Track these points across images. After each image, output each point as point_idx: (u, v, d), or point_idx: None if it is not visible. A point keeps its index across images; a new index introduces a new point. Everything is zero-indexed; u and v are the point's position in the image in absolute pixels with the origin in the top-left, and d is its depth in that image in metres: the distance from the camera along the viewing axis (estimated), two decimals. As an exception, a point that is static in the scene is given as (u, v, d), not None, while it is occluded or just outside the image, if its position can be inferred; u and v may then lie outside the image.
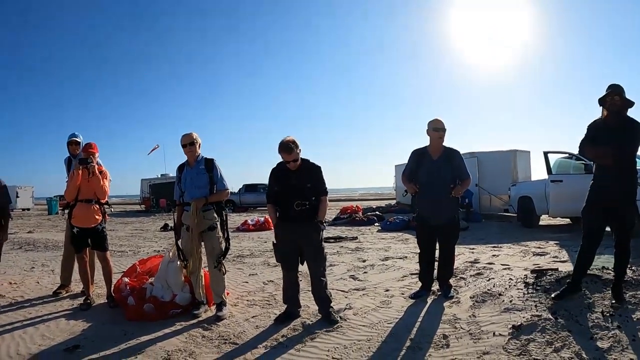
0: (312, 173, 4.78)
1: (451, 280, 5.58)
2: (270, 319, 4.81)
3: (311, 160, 4.85)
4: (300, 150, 4.68)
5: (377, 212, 18.53)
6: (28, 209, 40.62)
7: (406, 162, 5.60)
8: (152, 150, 31.62)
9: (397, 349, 3.84)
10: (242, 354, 3.97)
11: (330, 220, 16.73)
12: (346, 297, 5.52)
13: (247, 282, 6.69)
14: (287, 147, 4.58)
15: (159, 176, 34.14)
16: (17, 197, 40.40)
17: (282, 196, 4.77)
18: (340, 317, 4.68)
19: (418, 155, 5.39)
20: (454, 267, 5.73)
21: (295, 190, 4.67)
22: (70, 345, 4.31)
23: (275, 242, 4.87)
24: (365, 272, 6.89)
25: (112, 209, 6.35)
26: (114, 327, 4.85)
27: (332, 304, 4.84)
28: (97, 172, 5.68)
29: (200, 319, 4.98)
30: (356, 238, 11.50)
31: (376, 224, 15.49)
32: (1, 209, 6.17)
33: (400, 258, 8.08)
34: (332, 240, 11.01)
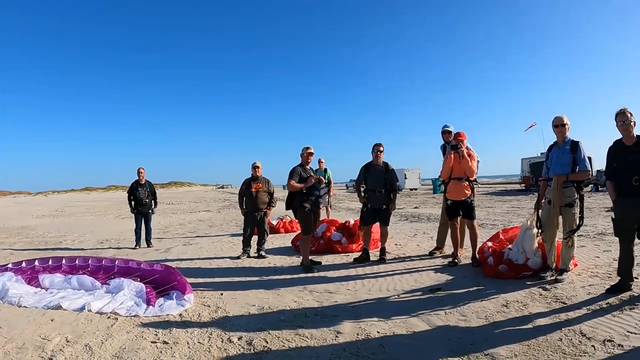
0: None
1: None
2: (603, 289, 5.31)
3: None
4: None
5: None
6: (416, 189, 47.16)
7: None
8: (529, 128, 31.59)
9: None
10: (565, 312, 4.68)
11: None
12: None
13: (598, 257, 7.17)
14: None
15: (539, 155, 33.54)
16: (405, 178, 46.99)
17: (619, 173, 5.13)
18: None
19: None
20: None
21: (632, 165, 4.96)
22: (435, 287, 5.93)
23: (614, 217, 5.30)
24: None
25: (479, 185, 7.63)
26: (472, 279, 6.29)
27: None
28: (465, 155, 7.12)
29: (545, 281, 5.88)
30: None
31: None
32: (392, 187, 7.95)
33: None
34: None
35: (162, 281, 5.88)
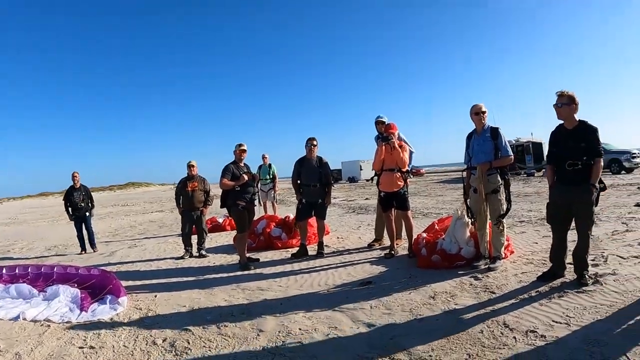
0: (588, 134, 4.76)
1: None
2: (536, 277, 5.16)
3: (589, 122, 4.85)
4: None
5: None
6: (372, 180, 46.72)
7: None
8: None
9: (630, 318, 3.79)
10: (493, 303, 4.49)
11: None
12: (619, 264, 5.41)
13: (536, 243, 7.07)
14: None
15: None
16: (361, 169, 47.15)
17: (557, 157, 4.95)
18: (598, 281, 4.73)
19: None
20: None
21: (569, 151, 4.78)
22: (365, 280, 5.77)
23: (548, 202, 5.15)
24: (662, 243, 6.34)
25: (411, 176, 7.50)
26: (404, 271, 6.11)
27: (590, 268, 4.92)
28: (397, 146, 6.93)
29: (478, 270, 5.70)
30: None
31: None
32: (326, 181, 7.84)
33: None
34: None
35: (99, 285, 5.87)
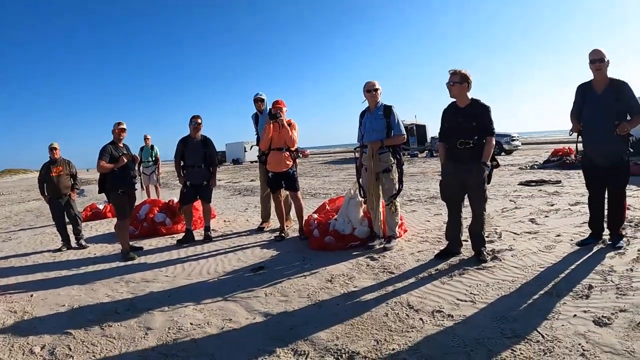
0: (479, 112, 4.71)
1: (627, 231, 5.19)
2: (433, 255, 5.07)
3: (482, 101, 4.80)
4: None
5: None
6: (255, 161, 46.44)
7: None
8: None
9: (534, 293, 3.75)
10: (393, 283, 4.29)
11: (539, 163, 16.33)
12: (514, 240, 5.49)
13: (429, 221, 7.06)
14: None
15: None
16: (245, 151, 46.28)
17: (449, 135, 4.85)
18: (496, 257, 4.74)
19: (583, 90, 4.87)
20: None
21: (461, 128, 4.71)
22: (257, 266, 5.34)
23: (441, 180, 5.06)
24: (546, 217, 6.65)
25: (301, 156, 7.18)
26: (297, 254, 5.75)
27: (486, 244, 4.91)
28: (285, 124, 6.49)
29: (373, 250, 5.51)
30: (559, 182, 10.69)
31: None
32: (211, 161, 7.34)
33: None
34: (534, 184, 10.59)
35: None
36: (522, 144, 31.88)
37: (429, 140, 32.32)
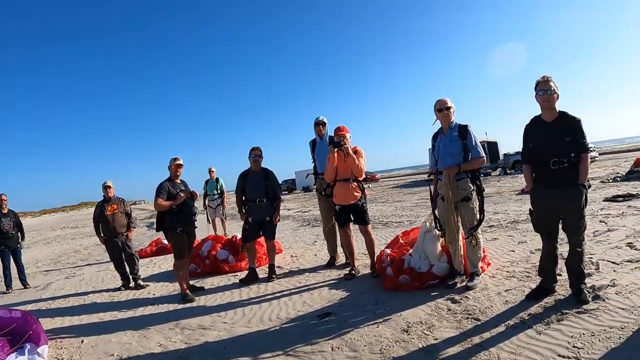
0: (572, 126, 4.04)
1: None
2: (523, 294, 4.44)
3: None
4: None
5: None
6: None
7: None
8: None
9: None
10: (479, 333, 3.72)
11: (622, 174, 15.04)
12: (615, 271, 4.75)
13: (513, 251, 6.33)
14: None
15: None
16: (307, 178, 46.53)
17: (537, 154, 4.21)
18: (598, 296, 4.03)
19: None
20: None
21: (551, 146, 4.05)
22: (324, 312, 4.86)
23: (531, 208, 4.39)
24: (645, 239, 5.75)
25: (371, 181, 6.75)
26: (369, 296, 5.23)
27: (586, 280, 4.18)
28: (351, 152, 6.02)
29: (454, 290, 4.93)
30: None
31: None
32: (274, 195, 6.99)
33: None
34: (621, 199, 9.58)
35: (20, 331, 4.92)
36: (599, 154, 29.96)
37: (501, 157, 31.35)
